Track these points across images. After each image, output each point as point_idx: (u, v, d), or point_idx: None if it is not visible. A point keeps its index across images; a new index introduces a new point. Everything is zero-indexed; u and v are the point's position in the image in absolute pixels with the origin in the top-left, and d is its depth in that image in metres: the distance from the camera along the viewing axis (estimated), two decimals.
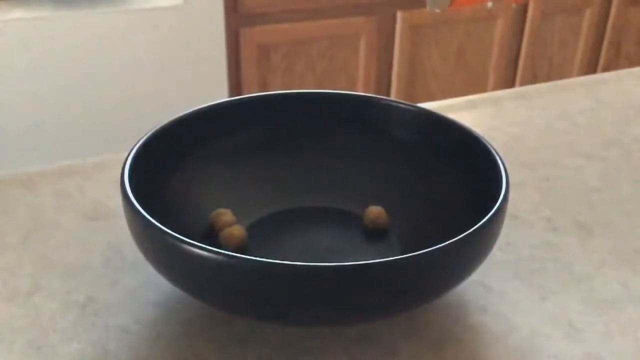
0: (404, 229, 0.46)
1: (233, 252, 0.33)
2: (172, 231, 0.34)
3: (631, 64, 2.20)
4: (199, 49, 1.58)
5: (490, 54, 1.97)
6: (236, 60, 1.66)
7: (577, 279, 0.44)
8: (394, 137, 0.49)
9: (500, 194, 0.38)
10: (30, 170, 0.55)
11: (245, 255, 0.33)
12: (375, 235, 0.46)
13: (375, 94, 1.86)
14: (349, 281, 0.32)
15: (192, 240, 0.34)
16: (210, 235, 0.44)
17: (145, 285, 0.43)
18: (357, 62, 1.80)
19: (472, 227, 0.35)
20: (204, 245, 0.33)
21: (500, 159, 0.42)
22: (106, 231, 0.48)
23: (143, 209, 0.36)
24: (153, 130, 0.44)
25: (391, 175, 0.49)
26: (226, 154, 0.48)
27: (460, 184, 0.45)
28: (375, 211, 0.46)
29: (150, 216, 0.36)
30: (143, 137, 0.43)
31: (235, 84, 1.69)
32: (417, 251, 0.33)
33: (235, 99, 0.48)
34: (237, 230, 0.43)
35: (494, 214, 0.36)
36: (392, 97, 1.56)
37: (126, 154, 0.41)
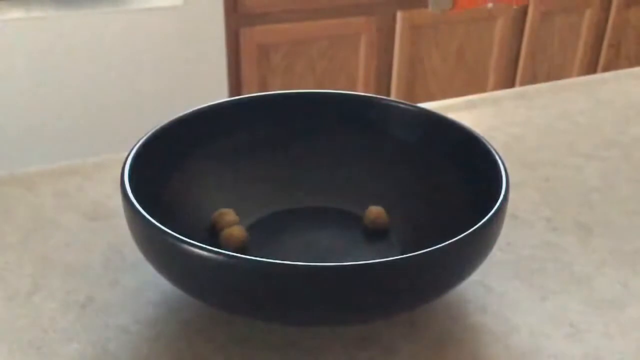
0: (404, 229, 0.46)
1: (233, 252, 0.33)
2: (172, 231, 0.34)
3: (631, 64, 2.20)
4: (199, 49, 1.58)
5: (490, 54, 1.97)
6: (236, 60, 1.66)
7: (577, 279, 0.44)
8: (394, 137, 0.49)
9: (500, 194, 0.38)
10: (30, 170, 0.55)
11: (246, 255, 0.33)
12: (375, 235, 0.46)
13: (375, 94, 1.86)
14: (349, 281, 0.32)
15: (193, 240, 0.34)
16: (212, 235, 0.44)
17: (145, 285, 0.43)
18: (357, 62, 1.80)
19: (472, 227, 0.35)
20: (204, 245, 0.33)
21: (500, 159, 0.42)
22: (106, 231, 0.48)
23: (143, 209, 0.36)
24: (153, 130, 0.44)
25: (391, 175, 0.49)
26: (226, 154, 0.48)
27: (460, 184, 0.45)
28: (375, 211, 0.46)
29: (150, 216, 0.36)
30: (143, 137, 0.43)
31: (235, 84, 1.69)
32: (417, 251, 0.33)
33: (235, 99, 0.48)
34: (237, 231, 0.43)
35: (494, 214, 0.36)
36: (392, 97, 1.56)
37: (126, 154, 0.41)
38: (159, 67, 1.56)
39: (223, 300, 0.35)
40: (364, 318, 0.35)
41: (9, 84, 1.45)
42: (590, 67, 2.15)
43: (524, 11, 1.95)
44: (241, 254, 0.33)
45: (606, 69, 2.16)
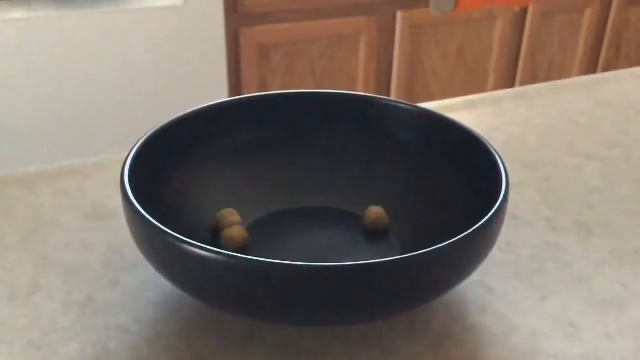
0: (404, 229, 0.46)
1: (233, 252, 0.33)
2: (172, 231, 0.34)
3: (631, 64, 2.20)
4: (199, 49, 1.58)
5: (490, 54, 1.97)
6: (236, 60, 1.66)
7: (577, 279, 0.44)
8: (394, 137, 0.49)
9: (500, 194, 0.38)
10: (30, 170, 0.55)
11: (246, 255, 0.33)
12: (375, 235, 0.46)
13: (375, 94, 1.86)
14: (349, 281, 0.32)
15: (193, 240, 0.34)
16: (214, 236, 0.44)
17: (145, 285, 0.43)
18: (357, 62, 1.80)
19: (472, 227, 0.35)
20: (204, 245, 0.33)
21: (500, 159, 0.42)
22: (106, 231, 0.48)
23: (143, 209, 0.36)
24: (153, 130, 0.44)
25: (391, 175, 0.49)
26: (226, 154, 0.48)
27: (460, 184, 0.45)
28: (375, 212, 0.46)
29: (151, 216, 0.36)
30: (143, 137, 0.43)
31: (235, 84, 1.69)
32: (417, 251, 0.33)
33: (235, 99, 0.48)
34: (237, 231, 0.43)
35: (494, 214, 0.36)
36: (392, 97, 1.56)
37: (126, 154, 0.41)
38: (159, 67, 1.56)
39: (223, 300, 0.35)
40: (364, 318, 0.35)
41: (9, 84, 1.45)
42: (590, 67, 2.15)
43: (524, 11, 1.95)
44: (241, 254, 0.33)
45: (606, 69, 2.16)
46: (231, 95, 1.69)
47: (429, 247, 0.33)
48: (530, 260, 0.46)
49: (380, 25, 1.78)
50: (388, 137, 0.49)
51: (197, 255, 0.33)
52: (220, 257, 0.33)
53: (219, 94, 1.65)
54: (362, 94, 0.50)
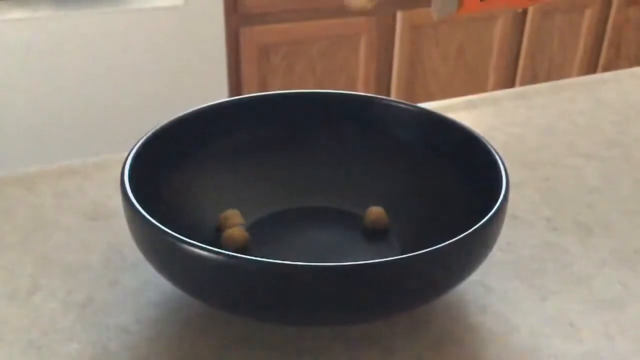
0: (404, 229, 0.46)
1: (233, 252, 0.33)
2: (172, 231, 0.34)
3: (631, 64, 2.20)
4: (199, 49, 1.58)
5: (490, 54, 1.97)
6: (236, 60, 1.66)
7: (577, 279, 0.44)
8: (394, 137, 0.49)
9: (500, 194, 0.38)
10: (30, 170, 0.55)
11: (246, 255, 0.33)
12: (375, 235, 0.46)
13: (375, 94, 1.86)
14: (349, 281, 0.32)
15: (193, 240, 0.34)
16: (215, 236, 0.44)
17: (145, 285, 0.43)
18: (357, 62, 1.80)
19: (472, 227, 0.35)
20: (204, 245, 0.33)
21: (500, 159, 0.42)
22: (106, 231, 0.48)
23: (143, 209, 0.36)
24: (153, 130, 0.44)
25: (391, 175, 0.49)
26: (226, 154, 0.48)
27: (460, 184, 0.45)
28: (375, 212, 0.46)
29: (151, 216, 0.36)
30: (143, 137, 0.43)
31: (235, 84, 1.69)
32: (417, 251, 0.33)
33: (235, 99, 0.48)
34: (237, 232, 0.43)
35: (494, 214, 0.36)
36: (392, 97, 1.56)
37: (126, 154, 0.41)
38: (159, 67, 1.56)
39: (223, 300, 0.35)
40: (364, 318, 0.35)
41: (9, 84, 1.45)
42: (590, 67, 2.15)
43: (524, 11, 1.95)
44: (241, 254, 0.33)
45: (606, 69, 2.16)
46: (231, 95, 1.69)
47: (429, 247, 0.33)
48: (530, 260, 0.46)
49: (380, 25, 1.78)
50: (388, 137, 0.49)
51: (197, 255, 0.33)
52: (220, 257, 0.33)
53: (219, 94, 1.65)
54: (362, 94, 0.50)
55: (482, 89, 2.00)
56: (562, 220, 0.51)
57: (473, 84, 1.99)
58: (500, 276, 0.44)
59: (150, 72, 1.56)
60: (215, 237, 0.44)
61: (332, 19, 1.72)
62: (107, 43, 1.50)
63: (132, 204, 0.36)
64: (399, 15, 1.79)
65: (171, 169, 0.45)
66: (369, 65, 1.81)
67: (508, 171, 0.57)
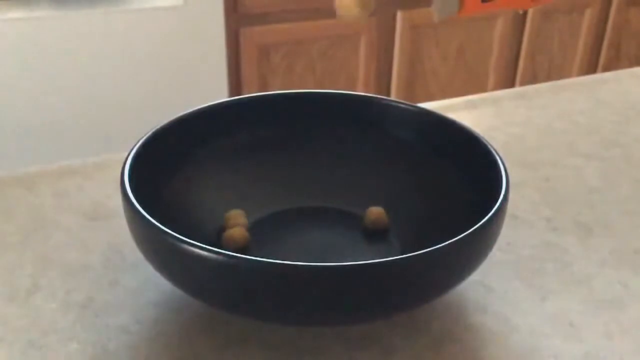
0: (404, 229, 0.46)
1: (233, 252, 0.33)
2: (172, 231, 0.34)
3: (631, 64, 2.20)
4: (199, 49, 1.58)
5: (490, 54, 1.97)
6: (236, 60, 1.66)
7: (577, 279, 0.44)
8: (394, 137, 0.49)
9: (500, 194, 0.38)
10: (30, 170, 0.55)
11: (246, 255, 0.33)
12: (375, 235, 0.46)
13: (375, 94, 1.86)
14: (349, 281, 0.32)
15: (193, 240, 0.34)
16: (212, 235, 0.44)
17: (145, 285, 0.43)
18: (357, 62, 1.80)
19: (472, 227, 0.35)
20: (203, 245, 0.33)
21: (500, 159, 0.42)
22: (106, 231, 0.48)
23: (143, 209, 0.36)
24: (153, 130, 0.44)
25: (391, 175, 0.49)
26: (226, 154, 0.48)
27: (460, 184, 0.45)
28: (375, 212, 0.46)
29: (151, 216, 0.36)
30: (143, 137, 0.43)
31: (235, 84, 1.69)
32: (417, 251, 0.33)
33: (235, 99, 0.48)
34: (237, 232, 0.43)
35: (494, 214, 0.36)
36: (392, 97, 1.56)
37: (126, 154, 0.41)
38: (159, 67, 1.56)
39: (223, 300, 0.35)
40: (364, 318, 0.35)
41: (9, 84, 1.45)
42: (590, 67, 2.15)
43: (524, 11, 1.95)
44: (241, 254, 0.33)
45: (606, 69, 2.16)
46: (231, 95, 1.69)
47: (429, 247, 0.33)
48: (530, 260, 0.46)
49: (380, 25, 1.78)
50: (388, 137, 0.49)
51: (197, 255, 0.33)
52: (220, 257, 0.33)
53: (219, 94, 1.64)
54: (362, 94, 0.50)
55: (482, 89, 2.00)
56: (562, 220, 0.51)
57: (473, 84, 1.99)
58: (500, 276, 0.44)
59: (150, 72, 1.56)
60: (215, 237, 0.44)
61: (332, 19, 1.72)
62: (107, 43, 1.50)
63: (132, 204, 0.36)
64: (399, 15, 1.79)
65: (171, 169, 0.45)
66: (369, 65, 1.81)
67: (508, 171, 0.57)
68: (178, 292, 0.42)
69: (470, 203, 0.43)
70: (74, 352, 0.38)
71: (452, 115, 0.67)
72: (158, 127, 0.44)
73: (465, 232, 0.35)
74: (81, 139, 1.56)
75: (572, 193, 0.54)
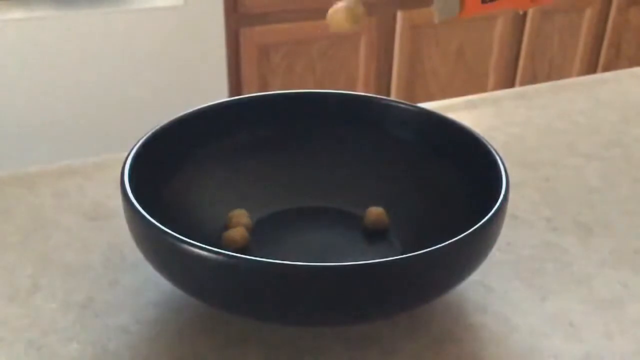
0: (404, 229, 0.46)
1: (233, 252, 0.33)
2: (172, 231, 0.34)
3: (631, 64, 2.20)
4: (199, 49, 1.58)
5: (490, 54, 1.97)
6: (236, 60, 1.66)
7: (577, 279, 0.44)
8: (394, 137, 0.49)
9: (500, 194, 0.38)
10: (30, 170, 0.55)
11: (246, 255, 0.33)
12: (375, 235, 0.46)
13: (375, 94, 1.86)
14: (349, 281, 0.32)
15: (193, 240, 0.34)
16: (212, 235, 0.44)
17: (145, 285, 0.43)
18: (357, 62, 1.80)
19: (472, 227, 0.35)
20: (203, 245, 0.33)
21: (500, 159, 0.42)
22: (106, 231, 0.48)
23: (143, 209, 0.36)
24: (153, 130, 0.44)
25: (391, 175, 0.49)
26: (226, 154, 0.48)
27: (460, 184, 0.45)
28: (375, 212, 0.46)
29: (150, 216, 0.36)
30: (143, 137, 0.43)
31: (235, 84, 1.69)
32: (417, 251, 0.33)
33: (235, 99, 0.48)
34: (238, 232, 0.43)
35: (494, 214, 0.36)
36: (392, 97, 1.56)
37: (126, 154, 0.41)
38: (159, 67, 1.56)
39: (223, 300, 0.35)
40: (364, 318, 0.35)
41: (9, 84, 1.45)
42: (590, 67, 2.15)
43: (524, 11, 1.95)
44: (241, 254, 0.33)
45: (606, 69, 2.16)
46: (231, 95, 1.69)
47: (429, 247, 0.33)
48: (530, 260, 0.46)
49: (380, 25, 1.78)
50: (388, 137, 0.49)
51: (197, 255, 0.33)
52: (219, 257, 0.33)
53: (219, 94, 1.64)
54: (362, 94, 0.50)
55: (482, 89, 2.00)
56: (562, 220, 0.51)
57: (473, 84, 1.99)
58: (500, 276, 0.44)
59: (150, 72, 1.56)
60: (216, 237, 0.44)
61: None
62: (107, 43, 1.50)
63: (132, 204, 0.36)
64: (399, 15, 1.79)
65: (171, 169, 0.45)
66: (369, 65, 1.81)
67: (508, 171, 0.57)
68: (178, 292, 0.42)
69: (470, 203, 0.43)
70: (74, 352, 0.38)
71: (452, 115, 0.67)
72: (158, 127, 0.44)
73: (465, 232, 0.35)
74: (81, 139, 1.56)
75: (572, 193, 0.54)
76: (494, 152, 0.42)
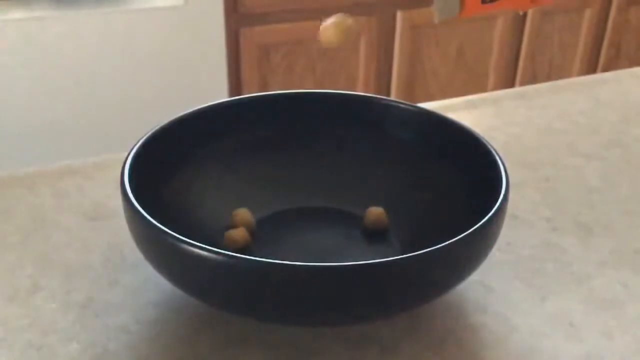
0: (404, 229, 0.46)
1: (233, 252, 0.33)
2: (172, 231, 0.34)
3: (631, 64, 2.20)
4: (199, 49, 1.58)
5: (490, 54, 1.97)
6: (236, 60, 1.66)
7: (577, 279, 0.44)
8: (394, 137, 0.49)
9: (500, 194, 0.38)
10: (30, 170, 0.55)
11: (246, 255, 0.33)
12: (375, 235, 0.46)
13: (375, 94, 1.86)
14: (349, 281, 0.32)
15: (193, 240, 0.34)
16: (212, 235, 0.44)
17: (145, 285, 0.43)
18: (357, 62, 1.80)
19: (472, 227, 0.35)
20: (203, 245, 0.33)
21: (500, 159, 0.42)
22: (106, 231, 0.48)
23: (143, 209, 0.36)
24: (153, 130, 0.44)
25: (391, 175, 0.49)
26: (226, 154, 0.48)
27: (460, 184, 0.45)
28: (375, 212, 0.46)
29: (151, 216, 0.36)
30: (143, 137, 0.43)
31: (235, 84, 1.69)
32: (417, 251, 0.33)
33: (235, 99, 0.48)
34: (238, 233, 0.43)
35: (494, 214, 0.36)
36: (392, 97, 1.56)
37: (126, 154, 0.41)
38: (159, 67, 1.56)
39: (223, 300, 0.35)
40: (364, 318, 0.35)
41: (9, 84, 1.45)
42: (590, 67, 2.15)
43: (524, 12, 1.95)
44: (242, 254, 0.33)
45: (606, 69, 2.16)
46: (231, 95, 1.69)
47: (429, 247, 0.33)
48: (530, 260, 0.46)
49: (380, 25, 1.78)
50: (388, 137, 0.49)
51: (197, 255, 0.33)
52: (219, 257, 0.33)
53: (219, 94, 1.64)
54: (362, 94, 0.50)
55: (482, 89, 2.00)
56: (562, 220, 0.51)
57: (473, 84, 1.99)
58: (500, 276, 0.44)
59: (150, 72, 1.56)
60: (216, 237, 0.44)
61: None
62: (107, 43, 1.49)
63: (132, 204, 0.36)
64: (399, 15, 1.79)
65: (171, 169, 0.45)
66: (369, 65, 1.81)
67: (508, 171, 0.57)
68: (178, 292, 0.42)
69: (470, 203, 0.43)
70: (74, 352, 0.38)
71: (452, 115, 0.67)
72: (158, 127, 0.44)
73: (465, 232, 0.35)
74: (81, 139, 1.56)
75: (572, 193, 0.54)
76: (494, 152, 0.42)
